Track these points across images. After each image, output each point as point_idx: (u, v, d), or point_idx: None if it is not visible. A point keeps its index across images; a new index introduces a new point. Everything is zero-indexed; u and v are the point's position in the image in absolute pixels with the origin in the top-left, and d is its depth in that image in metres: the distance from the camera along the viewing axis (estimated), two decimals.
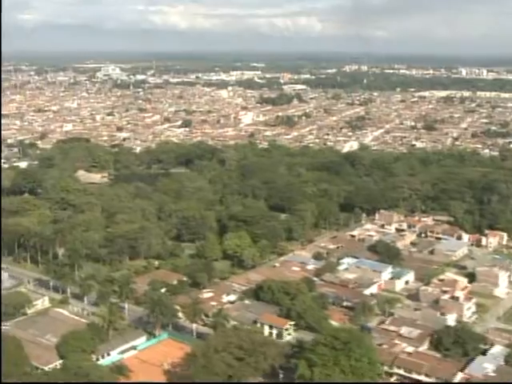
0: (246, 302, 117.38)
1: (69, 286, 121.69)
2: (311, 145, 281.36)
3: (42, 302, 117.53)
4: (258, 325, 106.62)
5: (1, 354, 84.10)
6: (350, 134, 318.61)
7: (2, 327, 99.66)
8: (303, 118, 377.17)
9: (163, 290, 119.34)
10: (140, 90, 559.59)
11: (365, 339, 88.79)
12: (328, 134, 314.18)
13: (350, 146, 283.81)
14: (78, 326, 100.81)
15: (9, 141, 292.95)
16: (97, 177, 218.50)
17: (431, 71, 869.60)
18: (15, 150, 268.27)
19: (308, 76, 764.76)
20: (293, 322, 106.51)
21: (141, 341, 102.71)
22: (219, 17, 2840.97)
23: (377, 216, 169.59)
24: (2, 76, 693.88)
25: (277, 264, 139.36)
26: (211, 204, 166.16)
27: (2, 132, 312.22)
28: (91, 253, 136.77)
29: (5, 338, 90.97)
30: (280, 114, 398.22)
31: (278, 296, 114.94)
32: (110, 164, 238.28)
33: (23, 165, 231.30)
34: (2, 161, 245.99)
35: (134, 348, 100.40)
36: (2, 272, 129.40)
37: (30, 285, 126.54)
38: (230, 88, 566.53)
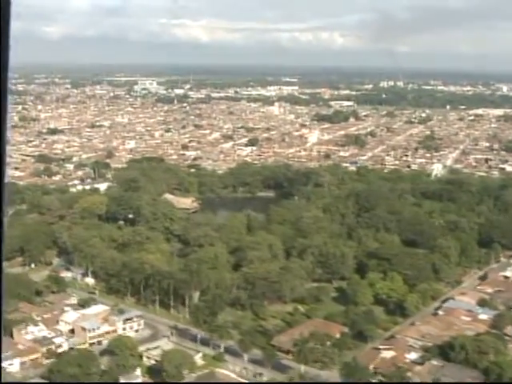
0: (434, 362, 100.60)
1: (223, 340, 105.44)
2: (392, 167, 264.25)
3: (197, 360, 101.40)
4: None
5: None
6: (428, 155, 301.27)
7: None
8: (368, 137, 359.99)
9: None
10: (185, 104, 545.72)
11: None
12: (406, 156, 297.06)
13: (437, 169, 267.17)
14: None
15: (74, 159, 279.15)
16: (187, 201, 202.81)
17: (469, 87, 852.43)
18: (87, 169, 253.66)
19: (347, 92, 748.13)
20: None
21: None
22: (241, 31, 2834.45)
23: None
24: (40, 89, 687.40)
25: (440, 312, 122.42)
26: (339, 238, 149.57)
27: (65, 149, 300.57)
28: (226, 296, 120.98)
29: None
30: (342, 132, 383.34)
31: (473, 356, 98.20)
32: (194, 187, 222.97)
33: (102, 187, 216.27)
34: (76, 182, 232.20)
35: None
36: (138, 319, 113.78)
37: (172, 337, 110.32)
38: (276, 104, 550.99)
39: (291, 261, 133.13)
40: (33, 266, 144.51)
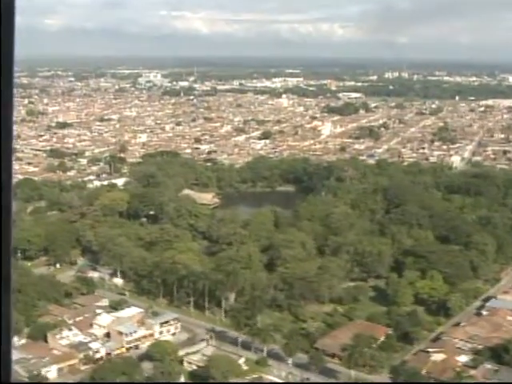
0: (488, 366, 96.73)
1: (266, 344, 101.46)
2: (410, 160, 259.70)
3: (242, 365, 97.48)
4: None
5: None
6: (445, 147, 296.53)
7: None
8: (382, 129, 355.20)
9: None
10: (192, 97, 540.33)
11: None
12: (423, 148, 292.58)
13: (456, 161, 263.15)
14: None
15: (87, 153, 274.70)
16: (207, 197, 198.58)
17: (475, 78, 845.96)
18: (101, 164, 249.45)
19: (353, 83, 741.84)
20: None
21: None
22: (240, 22, 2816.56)
23: None
24: (45, 82, 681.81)
25: (484, 312, 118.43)
26: (372, 235, 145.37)
27: (77, 144, 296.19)
28: (263, 297, 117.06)
29: None
30: (355, 124, 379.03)
31: None
32: (213, 182, 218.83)
33: (119, 182, 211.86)
34: (92, 177, 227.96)
35: None
36: (175, 322, 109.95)
37: (211, 340, 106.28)
38: (284, 96, 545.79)
39: (327, 259, 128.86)
40: (58, 266, 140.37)
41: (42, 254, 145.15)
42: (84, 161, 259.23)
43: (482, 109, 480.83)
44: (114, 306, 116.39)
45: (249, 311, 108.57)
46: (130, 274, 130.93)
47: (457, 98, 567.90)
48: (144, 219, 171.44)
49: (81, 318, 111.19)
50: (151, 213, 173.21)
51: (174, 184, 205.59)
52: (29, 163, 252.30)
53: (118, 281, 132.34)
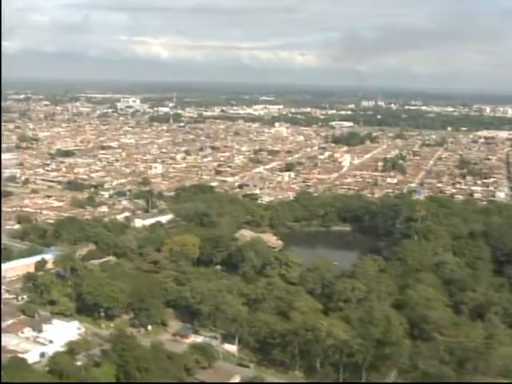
0: None
1: None
2: (459, 197, 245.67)
3: None
4: None
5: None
6: (479, 182, 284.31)
7: None
8: (400, 161, 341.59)
9: None
10: (182, 124, 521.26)
11: None
12: (459, 183, 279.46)
13: (500, 196, 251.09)
14: None
15: (106, 185, 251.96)
16: (271, 239, 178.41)
17: (451, 108, 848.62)
18: (127, 196, 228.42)
19: (334, 111, 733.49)
20: None
21: None
22: (201, 48, 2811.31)
23: None
24: (20, 105, 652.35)
25: None
26: (505, 291, 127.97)
27: (91, 175, 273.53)
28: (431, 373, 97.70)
29: None
30: (368, 155, 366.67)
31: None
32: (265, 220, 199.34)
33: (163, 219, 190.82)
34: (127, 213, 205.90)
35: None
36: None
37: None
38: (277, 124, 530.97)
39: (486, 323, 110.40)
40: (149, 327, 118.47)
41: (123, 311, 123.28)
42: (106, 193, 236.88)
43: (482, 140, 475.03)
44: None
45: None
46: (248, 340, 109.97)
47: (449, 128, 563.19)
48: (218, 266, 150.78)
49: None
50: (226, 258, 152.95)
51: (229, 223, 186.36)
52: (48, 196, 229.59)
53: (231, 347, 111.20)
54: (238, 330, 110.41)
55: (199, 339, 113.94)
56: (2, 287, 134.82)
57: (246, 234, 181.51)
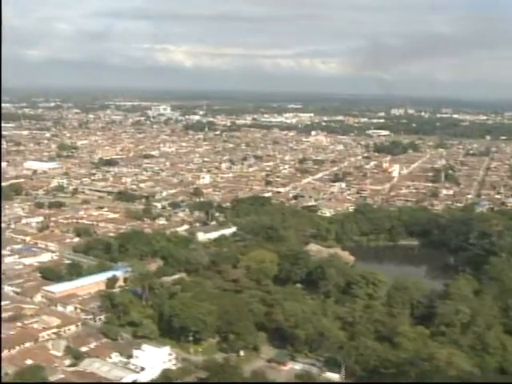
0: None
1: None
2: None
3: None
4: None
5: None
6: None
7: None
8: (449, 171, 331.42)
9: None
10: (217, 132, 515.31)
11: None
12: None
13: None
14: None
15: (157, 196, 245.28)
16: (343, 254, 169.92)
17: (482, 116, 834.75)
18: (183, 208, 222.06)
19: (366, 119, 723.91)
20: None
21: None
22: (223, 56, 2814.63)
23: None
24: (52, 113, 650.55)
25: None
26: None
27: (140, 185, 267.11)
28: None
29: None
30: (415, 165, 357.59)
31: None
32: (331, 233, 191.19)
33: (227, 232, 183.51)
34: (186, 226, 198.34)
35: None
36: None
37: None
38: (313, 133, 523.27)
39: None
40: (241, 353, 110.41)
41: (210, 334, 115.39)
42: (158, 204, 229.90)
43: None
44: None
45: None
46: (354, 368, 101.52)
47: (487, 137, 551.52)
48: (298, 284, 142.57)
49: None
50: (305, 276, 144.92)
51: (296, 237, 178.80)
52: (99, 207, 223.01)
53: (334, 376, 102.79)
54: (343, 358, 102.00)
55: (297, 366, 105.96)
56: (76, 306, 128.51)
57: (315, 248, 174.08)
